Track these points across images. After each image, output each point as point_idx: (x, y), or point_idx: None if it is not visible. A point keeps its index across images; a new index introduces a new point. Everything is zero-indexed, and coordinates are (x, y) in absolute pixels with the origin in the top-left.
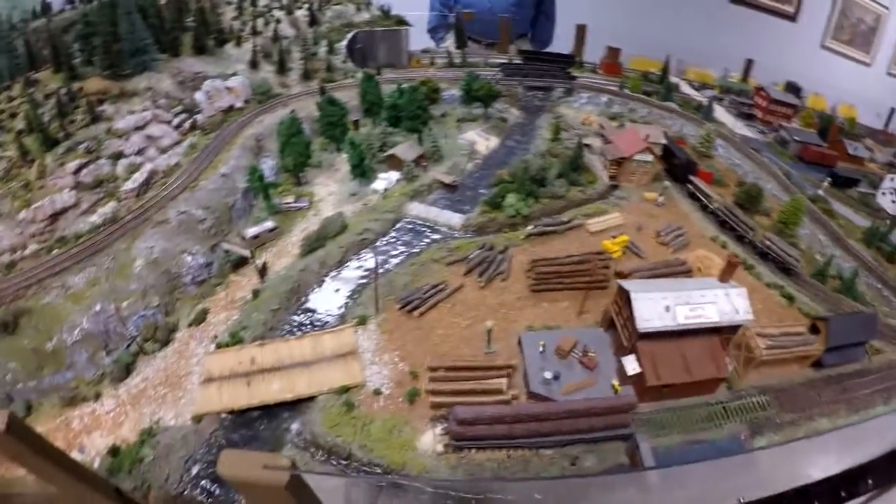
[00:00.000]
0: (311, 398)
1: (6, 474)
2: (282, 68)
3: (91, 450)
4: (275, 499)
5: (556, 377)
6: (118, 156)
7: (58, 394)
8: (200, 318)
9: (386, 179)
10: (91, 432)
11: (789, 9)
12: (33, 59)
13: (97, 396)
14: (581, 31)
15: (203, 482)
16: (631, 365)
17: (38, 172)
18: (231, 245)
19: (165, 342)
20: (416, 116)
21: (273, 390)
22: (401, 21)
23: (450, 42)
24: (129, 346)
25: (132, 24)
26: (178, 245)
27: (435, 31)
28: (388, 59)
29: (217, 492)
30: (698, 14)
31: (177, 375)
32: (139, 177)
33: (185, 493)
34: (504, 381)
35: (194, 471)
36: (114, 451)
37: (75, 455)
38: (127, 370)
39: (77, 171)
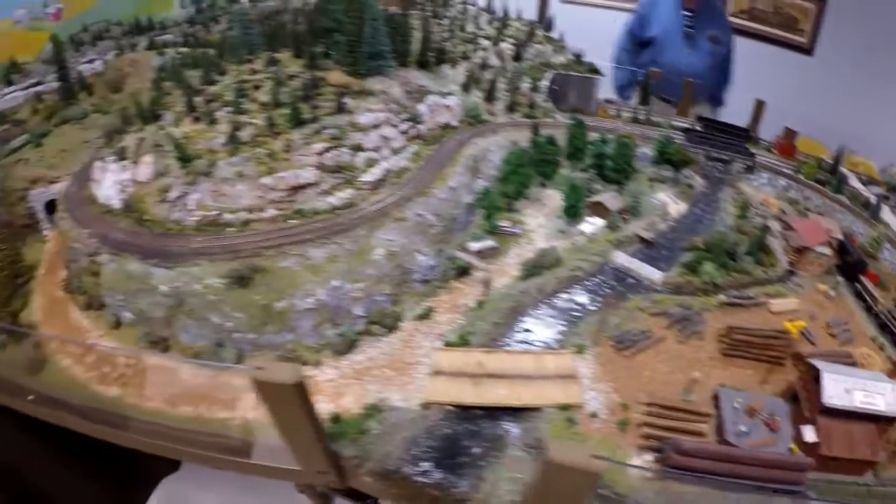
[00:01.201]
0: (531, 409)
1: (204, 413)
2: (490, 96)
3: None
4: (581, 482)
5: (747, 432)
6: (358, 148)
7: (274, 352)
8: (426, 315)
9: (592, 224)
10: None
11: None
12: (272, 40)
13: (318, 364)
14: (759, 106)
15: (422, 463)
16: (809, 434)
17: (284, 145)
18: (465, 254)
19: (390, 329)
20: (621, 169)
21: (500, 394)
22: (593, 69)
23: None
24: (356, 324)
25: (376, 31)
26: (412, 243)
27: (623, 88)
28: (577, 103)
29: (435, 474)
30: (867, 99)
31: (403, 362)
32: (376, 172)
33: (402, 469)
34: (706, 426)
35: (415, 452)
36: (335, 419)
37: None
38: (350, 346)
39: (321, 153)
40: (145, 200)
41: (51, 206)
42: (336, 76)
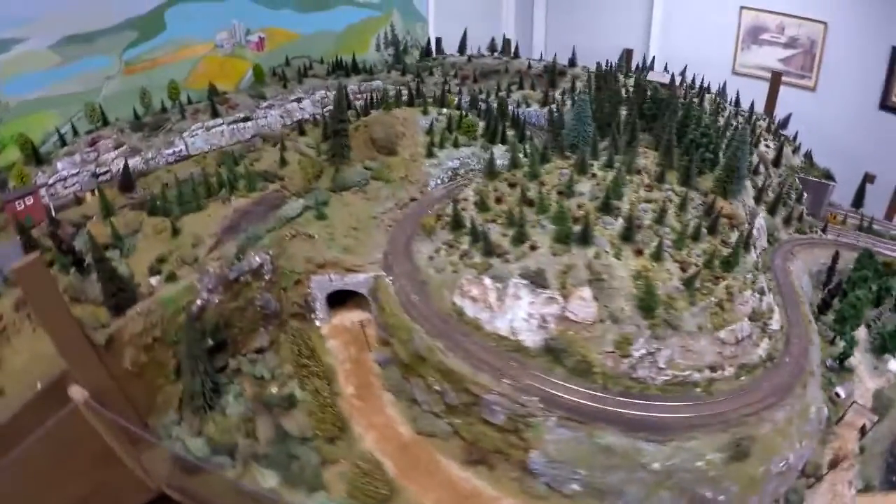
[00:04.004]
0: None
1: None
2: (773, 210)
3: None
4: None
5: None
6: (762, 291)
7: None
8: (833, 464)
9: None
10: None
11: None
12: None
13: None
14: None
15: None
16: None
17: (726, 292)
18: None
19: (818, 480)
20: None
21: None
22: (828, 175)
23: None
24: (799, 479)
25: (742, 151)
26: (817, 392)
27: None
28: (809, 208)
29: None
30: None
31: None
32: (777, 316)
33: None
34: None
35: None
36: None
37: None
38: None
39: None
40: (586, 346)
41: (333, 297)
42: (725, 205)
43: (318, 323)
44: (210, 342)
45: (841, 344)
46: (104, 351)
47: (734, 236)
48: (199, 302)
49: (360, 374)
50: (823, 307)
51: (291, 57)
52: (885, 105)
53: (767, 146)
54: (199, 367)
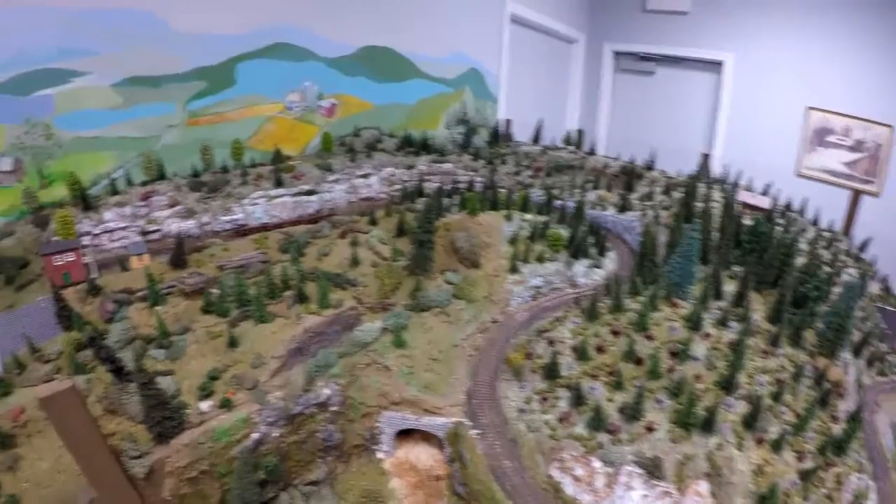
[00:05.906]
0: None
1: None
2: (858, 351)
3: None
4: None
5: None
6: (862, 469)
7: None
8: None
9: None
10: None
11: None
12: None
13: None
14: None
15: None
16: None
17: (835, 481)
18: None
19: None
20: None
21: None
22: None
23: None
24: None
25: (853, 308)
26: None
27: None
28: (885, 340)
29: None
30: None
31: None
32: (873, 497)
33: None
34: None
35: None
36: None
37: None
38: None
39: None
40: None
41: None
42: (834, 371)
43: (381, 455)
44: (262, 476)
45: None
46: (142, 482)
47: (841, 406)
48: (255, 435)
49: None
50: None
51: (360, 127)
52: None
53: (849, 274)
54: None
